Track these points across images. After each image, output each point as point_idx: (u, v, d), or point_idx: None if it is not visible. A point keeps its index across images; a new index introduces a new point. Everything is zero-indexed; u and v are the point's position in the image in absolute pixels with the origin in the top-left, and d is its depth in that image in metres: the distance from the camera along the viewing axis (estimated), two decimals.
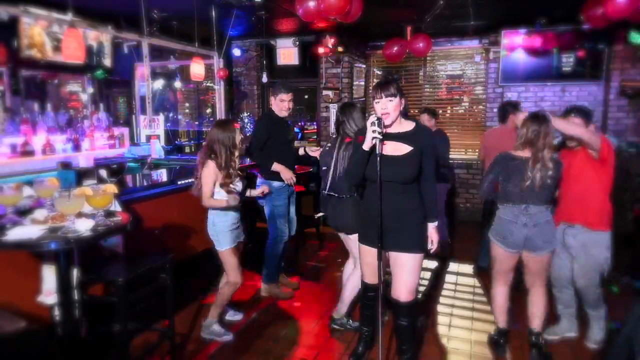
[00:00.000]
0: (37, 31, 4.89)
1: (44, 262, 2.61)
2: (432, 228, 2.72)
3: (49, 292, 2.59)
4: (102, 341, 2.92)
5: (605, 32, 5.96)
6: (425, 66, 7.48)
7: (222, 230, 3.17)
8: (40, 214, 2.37)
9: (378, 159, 2.45)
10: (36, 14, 4.33)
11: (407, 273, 2.65)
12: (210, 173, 3.05)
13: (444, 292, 4.25)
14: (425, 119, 5.09)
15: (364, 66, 7.73)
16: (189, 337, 3.36)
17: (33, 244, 2.05)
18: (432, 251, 2.75)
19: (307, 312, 3.80)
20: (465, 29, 6.31)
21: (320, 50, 6.21)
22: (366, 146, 2.55)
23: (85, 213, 2.41)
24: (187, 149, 6.54)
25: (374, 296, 2.87)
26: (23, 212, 2.51)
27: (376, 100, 2.58)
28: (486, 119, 7.08)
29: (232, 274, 3.24)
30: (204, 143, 3.23)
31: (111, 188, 2.40)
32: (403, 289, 2.66)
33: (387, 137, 2.58)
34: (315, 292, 4.21)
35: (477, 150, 7.15)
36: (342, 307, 3.45)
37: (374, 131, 2.44)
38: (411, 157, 2.59)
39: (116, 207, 2.87)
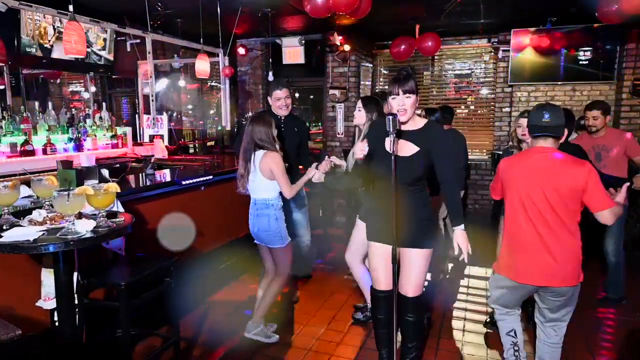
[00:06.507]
0: (37, 27, 4.81)
1: (43, 265, 2.50)
2: (458, 232, 2.50)
3: (47, 297, 2.48)
4: (105, 347, 2.81)
5: (617, 31, 5.85)
6: (432, 65, 7.36)
7: (283, 225, 3.12)
8: (38, 214, 2.25)
9: (393, 158, 2.28)
10: (36, 8, 4.23)
11: (415, 269, 2.55)
12: (280, 162, 2.99)
13: (458, 297, 4.13)
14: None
15: (371, 65, 7.62)
16: (195, 342, 3.24)
17: (30, 247, 1.93)
18: (461, 259, 2.51)
19: (315, 318, 3.68)
20: (475, 28, 6.19)
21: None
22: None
23: (86, 214, 2.30)
24: (191, 149, 6.44)
25: (385, 306, 2.64)
26: (22, 213, 2.41)
27: (392, 96, 2.43)
28: (494, 118, 6.95)
29: (287, 268, 3.19)
30: (244, 142, 3.07)
31: (113, 187, 2.28)
32: (410, 285, 2.57)
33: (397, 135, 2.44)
34: (324, 296, 4.09)
35: (484, 150, 7.06)
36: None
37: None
38: (415, 158, 2.46)
39: (119, 207, 2.76)
